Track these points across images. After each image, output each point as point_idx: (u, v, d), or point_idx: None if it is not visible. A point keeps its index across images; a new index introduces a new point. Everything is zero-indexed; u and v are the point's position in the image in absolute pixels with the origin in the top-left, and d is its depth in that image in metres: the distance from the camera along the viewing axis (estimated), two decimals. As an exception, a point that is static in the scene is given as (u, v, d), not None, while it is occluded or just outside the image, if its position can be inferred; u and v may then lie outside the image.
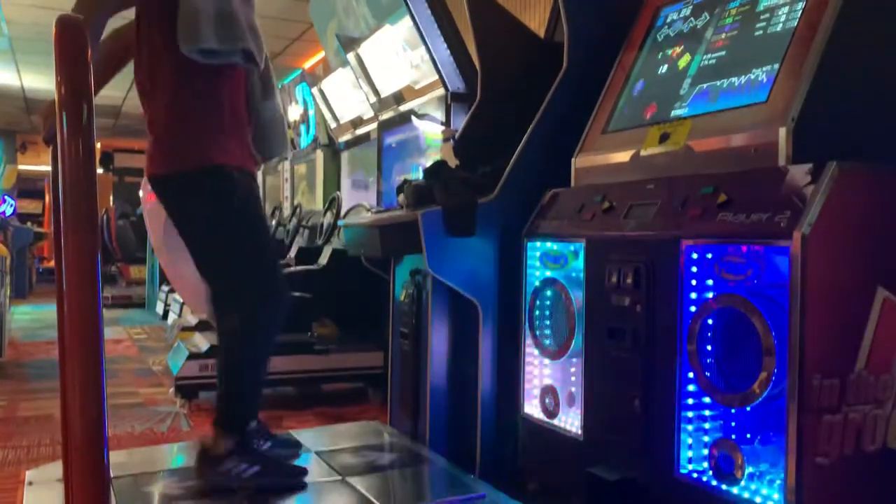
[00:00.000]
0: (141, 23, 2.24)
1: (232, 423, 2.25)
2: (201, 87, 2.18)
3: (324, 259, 4.85)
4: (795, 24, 1.94)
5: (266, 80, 2.33)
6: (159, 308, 8.38)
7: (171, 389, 4.45)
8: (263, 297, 2.26)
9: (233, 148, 2.22)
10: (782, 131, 1.80)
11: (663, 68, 2.36)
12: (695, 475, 1.85)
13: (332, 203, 5.44)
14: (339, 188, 6.08)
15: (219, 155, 2.19)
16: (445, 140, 3.55)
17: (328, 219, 5.32)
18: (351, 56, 4.96)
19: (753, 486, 1.71)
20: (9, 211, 15.13)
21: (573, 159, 2.47)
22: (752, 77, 2.00)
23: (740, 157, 1.90)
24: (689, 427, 1.86)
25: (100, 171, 13.94)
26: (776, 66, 1.93)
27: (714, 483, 1.79)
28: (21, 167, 16.00)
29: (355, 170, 5.95)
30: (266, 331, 2.30)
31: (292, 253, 5.43)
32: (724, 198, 1.81)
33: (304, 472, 2.34)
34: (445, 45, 3.92)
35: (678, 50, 2.33)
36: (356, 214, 4.60)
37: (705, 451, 1.82)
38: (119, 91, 10.48)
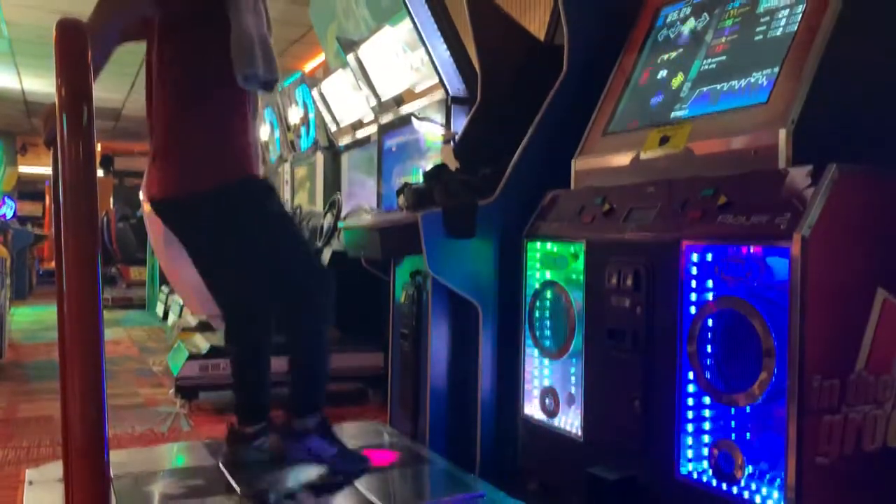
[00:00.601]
0: (163, 35, 2.24)
1: (315, 404, 2.38)
2: (225, 104, 2.23)
3: (324, 261, 4.85)
4: (796, 27, 1.95)
5: (256, 101, 2.43)
6: (159, 309, 8.38)
7: (172, 390, 4.45)
8: (321, 287, 2.41)
9: (255, 159, 2.32)
10: (782, 133, 1.80)
11: (663, 72, 2.36)
12: (695, 475, 1.85)
13: (332, 205, 5.44)
14: (339, 190, 6.08)
15: (251, 166, 2.29)
16: (446, 142, 3.56)
17: (328, 221, 5.32)
18: (351, 58, 4.96)
19: (753, 486, 1.71)
20: (9, 213, 15.13)
21: (573, 161, 2.47)
22: (753, 79, 2.00)
23: (740, 160, 1.90)
24: (690, 427, 1.86)
25: (100, 173, 13.95)
26: (776, 68, 1.93)
27: (714, 483, 1.79)
28: (21, 169, 16.00)
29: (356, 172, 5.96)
30: (328, 314, 2.46)
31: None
32: (724, 200, 1.81)
33: (368, 461, 2.46)
34: (445, 48, 3.92)
35: (679, 54, 2.34)
36: (356, 217, 4.60)
37: (705, 452, 1.83)
38: (120, 93, 10.49)
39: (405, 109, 4.67)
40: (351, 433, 2.80)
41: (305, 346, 2.43)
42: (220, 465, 2.42)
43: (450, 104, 3.98)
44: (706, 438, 1.83)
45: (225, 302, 2.50)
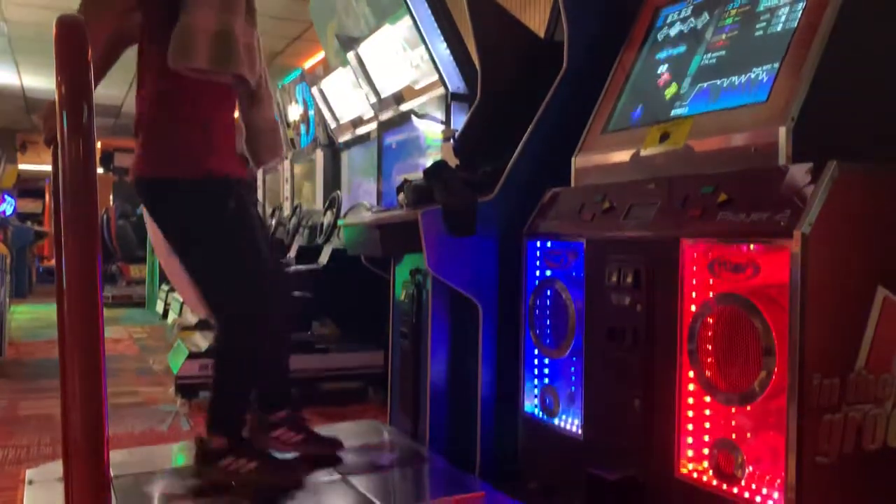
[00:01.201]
0: (144, 26, 2.26)
1: (220, 426, 2.33)
2: (197, 94, 2.21)
3: (324, 258, 4.86)
4: (795, 23, 1.94)
5: (256, 91, 2.35)
6: (159, 307, 8.39)
7: (172, 389, 4.45)
8: (245, 310, 2.30)
9: (224, 155, 2.26)
10: (782, 131, 1.80)
11: (663, 68, 2.36)
12: (695, 474, 1.85)
13: (332, 202, 5.44)
14: (339, 188, 6.09)
15: (214, 165, 2.23)
16: (445, 140, 3.55)
17: (328, 218, 5.33)
18: (351, 56, 4.96)
19: (753, 486, 1.71)
20: (9, 210, 15.12)
21: (573, 159, 2.47)
22: (753, 77, 2.00)
23: (740, 157, 1.89)
24: (690, 426, 1.86)
25: (100, 170, 13.94)
26: (776, 65, 1.93)
27: (714, 482, 1.79)
28: (21, 167, 15.99)
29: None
30: (244, 348, 2.34)
31: (292, 252, 5.44)
32: (724, 197, 1.81)
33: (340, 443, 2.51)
34: (445, 45, 3.92)
35: (679, 51, 2.33)
36: (356, 214, 4.60)
37: (706, 451, 1.83)
38: (119, 90, 10.49)
39: (405, 107, 4.67)
40: (351, 432, 2.81)
41: (215, 362, 2.40)
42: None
43: (450, 101, 3.98)
44: (706, 437, 1.83)
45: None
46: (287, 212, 6.87)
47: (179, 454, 2.83)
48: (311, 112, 6.63)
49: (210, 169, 2.22)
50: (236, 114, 2.38)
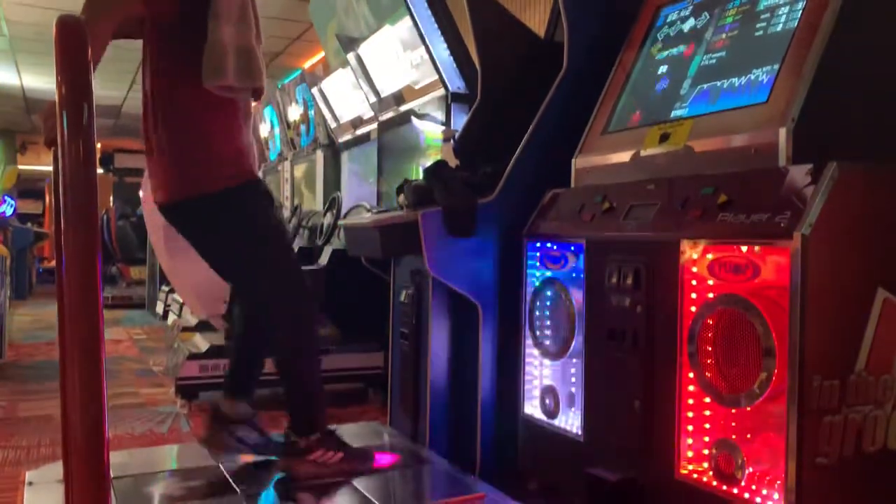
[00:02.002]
0: (154, 36, 2.25)
1: (309, 426, 2.37)
2: (218, 109, 2.23)
3: (324, 259, 4.86)
4: (795, 24, 1.94)
5: (247, 106, 2.39)
6: (159, 308, 8.38)
7: (172, 390, 4.45)
8: (301, 301, 2.37)
9: (251, 162, 2.31)
10: (782, 132, 1.80)
11: (663, 68, 2.36)
12: (695, 476, 1.84)
13: (332, 203, 5.44)
14: (339, 188, 6.08)
15: (248, 170, 2.29)
16: (445, 140, 3.55)
17: (328, 219, 5.32)
18: (351, 56, 4.96)
19: (753, 487, 1.71)
20: (9, 211, 15.12)
21: (573, 159, 2.47)
22: (753, 77, 2.00)
23: (740, 158, 1.89)
24: (690, 427, 1.86)
25: (100, 171, 13.94)
26: (776, 66, 1.93)
27: (714, 484, 1.79)
28: (21, 167, 15.98)
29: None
30: (312, 330, 2.43)
31: (292, 253, 5.43)
32: (724, 198, 1.81)
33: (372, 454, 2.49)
34: (445, 45, 3.92)
35: (679, 51, 2.33)
36: (356, 215, 4.60)
37: (706, 452, 1.82)
38: (119, 91, 10.49)
39: (405, 107, 4.66)
40: (351, 433, 2.80)
41: (285, 365, 2.42)
42: (220, 465, 2.42)
43: (450, 102, 3.98)
44: (706, 439, 1.83)
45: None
46: (287, 212, 6.87)
47: (179, 455, 2.83)
48: (311, 112, 6.63)
49: (246, 174, 2.28)
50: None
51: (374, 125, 5.26)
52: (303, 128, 6.94)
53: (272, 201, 2.40)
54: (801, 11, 1.95)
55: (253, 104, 2.41)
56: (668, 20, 2.44)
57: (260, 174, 2.45)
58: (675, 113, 2.20)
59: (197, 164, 2.23)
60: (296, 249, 5.41)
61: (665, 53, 2.38)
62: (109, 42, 2.18)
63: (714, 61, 2.18)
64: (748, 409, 1.72)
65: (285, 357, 2.41)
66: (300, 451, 2.33)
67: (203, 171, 2.23)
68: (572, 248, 2.29)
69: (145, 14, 2.23)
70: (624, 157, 2.27)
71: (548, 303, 2.40)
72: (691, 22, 2.34)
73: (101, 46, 2.09)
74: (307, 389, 2.41)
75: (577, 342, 2.26)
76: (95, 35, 2.06)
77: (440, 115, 4.20)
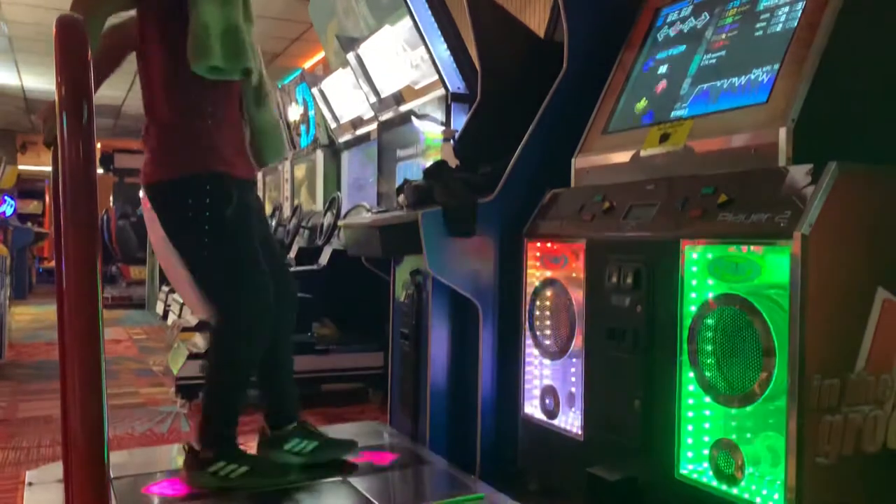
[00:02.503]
0: (142, 27, 2.25)
1: (211, 438, 2.28)
2: (198, 96, 2.20)
3: (324, 259, 4.85)
4: (795, 24, 1.94)
5: (258, 89, 2.33)
6: (159, 308, 8.38)
7: (172, 390, 4.45)
8: (238, 313, 2.26)
9: (228, 156, 2.25)
10: (782, 132, 1.80)
11: (664, 68, 2.36)
12: (695, 475, 1.84)
13: (332, 203, 5.44)
14: (339, 188, 6.08)
15: (216, 163, 2.21)
16: (445, 140, 3.55)
17: (328, 219, 5.32)
18: (351, 56, 4.96)
19: (753, 487, 1.71)
20: (9, 211, 15.12)
21: (573, 159, 2.47)
22: (753, 77, 2.00)
23: (740, 158, 1.89)
24: (690, 427, 1.86)
25: (100, 171, 13.94)
26: (776, 66, 1.93)
27: (714, 483, 1.79)
28: (21, 167, 15.98)
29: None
30: (236, 354, 2.30)
31: (292, 253, 5.43)
32: (724, 198, 1.81)
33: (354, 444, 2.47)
34: (445, 45, 3.92)
35: (679, 51, 2.33)
36: (356, 215, 4.59)
37: (705, 452, 1.82)
38: (119, 91, 10.49)
39: (405, 107, 4.67)
40: (351, 433, 2.80)
41: (210, 373, 2.38)
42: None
43: (450, 102, 3.98)
44: (706, 438, 1.83)
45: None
46: (287, 212, 6.87)
47: (180, 455, 2.82)
48: (311, 112, 6.64)
49: (208, 166, 2.20)
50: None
51: (374, 125, 5.26)
52: (303, 128, 6.94)
53: (232, 200, 2.24)
54: (800, 11, 1.95)
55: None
56: (668, 20, 2.44)
57: (258, 174, 2.40)
58: (675, 113, 2.20)
59: (159, 149, 2.23)
60: (296, 250, 5.42)
61: (665, 53, 2.38)
62: (105, 39, 2.18)
63: (714, 61, 2.18)
64: (748, 408, 1.72)
65: (211, 361, 2.37)
66: (200, 462, 2.26)
67: (163, 157, 2.22)
68: (572, 247, 2.29)
69: (135, 6, 2.22)
70: (624, 156, 2.27)
71: (548, 303, 2.40)
72: (691, 22, 2.34)
73: (94, 37, 2.08)
74: (216, 400, 2.34)
75: (576, 342, 2.26)
76: (90, 25, 2.05)
77: (440, 115, 4.20)
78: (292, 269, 4.80)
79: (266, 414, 2.47)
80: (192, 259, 2.31)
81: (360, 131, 5.74)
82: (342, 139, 6.13)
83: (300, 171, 7.13)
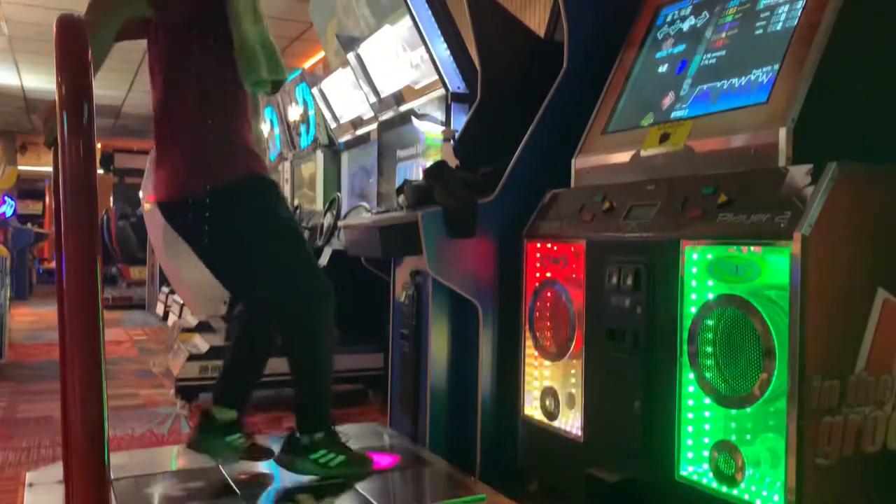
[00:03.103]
0: (163, 38, 2.25)
1: (316, 423, 2.33)
2: (231, 105, 2.24)
3: (324, 260, 4.85)
4: (795, 23, 1.94)
5: (257, 101, 2.40)
6: (159, 309, 8.38)
7: (172, 391, 4.45)
8: (319, 295, 2.34)
9: (257, 157, 2.31)
10: (782, 132, 1.80)
11: (664, 68, 2.36)
12: (695, 477, 1.84)
13: (332, 204, 5.43)
14: (339, 189, 6.08)
15: (258, 165, 2.29)
16: (445, 140, 3.55)
17: (328, 220, 5.32)
18: (351, 56, 4.96)
19: (754, 488, 1.70)
20: (9, 212, 15.12)
21: (573, 160, 2.47)
22: (753, 77, 2.00)
23: (740, 158, 1.89)
24: (690, 428, 1.86)
25: (100, 171, 13.94)
26: (776, 66, 1.93)
27: (714, 484, 1.79)
28: (21, 168, 15.99)
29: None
30: (327, 326, 2.38)
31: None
32: (724, 198, 1.81)
33: (370, 461, 2.44)
34: (445, 45, 3.92)
35: (679, 51, 2.33)
36: (356, 215, 4.59)
37: (706, 453, 1.82)
38: (119, 91, 10.49)
39: (405, 107, 4.67)
40: (351, 434, 2.80)
41: (292, 363, 2.38)
42: (220, 466, 2.41)
43: (450, 102, 3.98)
44: (706, 439, 1.83)
45: (237, 297, 2.53)
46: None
47: (180, 456, 2.82)
48: (311, 112, 6.63)
49: (255, 168, 2.27)
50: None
51: (374, 125, 5.26)
52: (303, 128, 6.94)
53: (279, 197, 2.38)
54: (800, 10, 1.95)
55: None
56: (668, 19, 2.44)
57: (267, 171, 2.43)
58: (675, 113, 2.20)
59: (204, 160, 2.23)
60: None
61: (665, 53, 2.38)
62: (112, 45, 2.18)
63: (714, 61, 2.18)
64: (748, 409, 1.72)
65: (296, 352, 2.38)
66: (302, 449, 2.30)
67: (210, 166, 2.22)
68: (572, 248, 2.29)
69: (152, 16, 2.23)
70: (624, 157, 2.27)
71: (548, 303, 2.40)
72: (691, 21, 2.34)
73: (104, 49, 2.09)
74: (315, 386, 2.39)
75: (577, 343, 2.26)
76: (99, 37, 2.07)
77: (440, 115, 4.20)
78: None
79: (297, 415, 2.44)
80: (261, 257, 2.31)
81: (360, 131, 5.74)
82: (342, 139, 6.13)
83: (300, 172, 7.13)
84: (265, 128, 7.39)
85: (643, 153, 2.20)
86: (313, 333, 2.36)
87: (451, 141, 3.18)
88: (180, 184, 2.25)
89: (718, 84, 2.11)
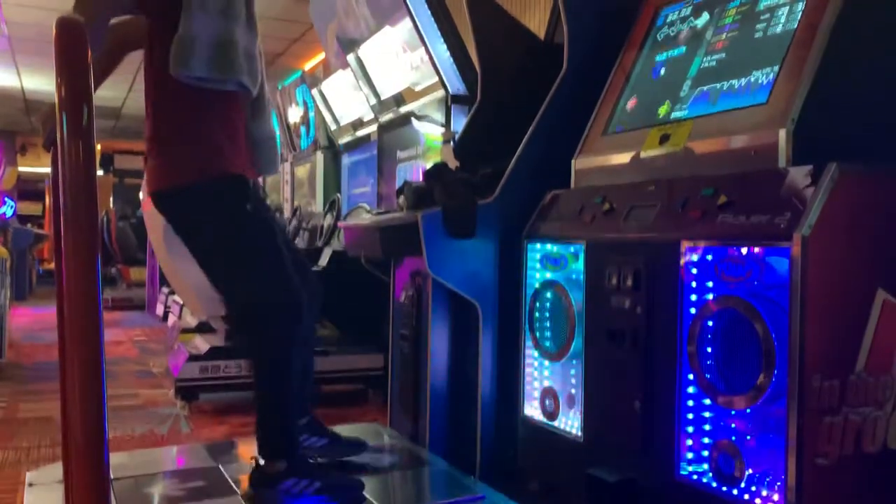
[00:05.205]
0: (147, 28, 2.24)
1: (276, 450, 2.16)
2: (202, 101, 2.16)
3: (324, 261, 4.85)
4: (795, 25, 1.94)
5: (257, 100, 2.30)
6: (159, 310, 8.38)
7: (172, 391, 4.45)
8: (284, 308, 2.16)
9: (236, 158, 2.22)
10: (782, 133, 1.80)
11: (664, 69, 2.36)
12: (695, 477, 1.84)
13: (332, 205, 5.44)
14: (339, 190, 6.09)
15: (227, 165, 2.18)
16: (445, 142, 3.56)
17: (328, 221, 5.33)
18: (351, 57, 4.96)
19: (754, 488, 1.71)
20: (9, 212, 15.13)
21: (573, 160, 2.47)
22: (752, 79, 2.00)
23: (740, 159, 1.89)
24: (690, 428, 1.86)
25: (100, 172, 13.94)
26: (776, 67, 1.93)
27: (714, 484, 1.79)
28: (21, 169, 16.00)
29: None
30: (291, 342, 2.18)
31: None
32: (724, 199, 1.81)
33: (360, 485, 2.24)
34: (445, 47, 3.93)
35: (679, 52, 2.33)
36: (356, 216, 4.60)
37: (705, 453, 1.82)
38: (119, 92, 10.49)
39: (405, 108, 4.67)
40: (351, 434, 2.80)
41: (255, 379, 2.20)
42: (220, 466, 2.41)
43: (450, 103, 3.99)
44: (706, 439, 1.83)
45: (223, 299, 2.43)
46: (287, 214, 6.87)
47: (179, 456, 2.83)
48: (311, 114, 6.64)
49: (223, 168, 2.17)
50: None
51: (375, 127, 5.26)
52: (303, 129, 6.95)
53: (251, 199, 2.21)
54: (800, 12, 1.95)
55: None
56: (668, 20, 2.44)
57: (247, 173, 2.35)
58: (675, 114, 2.20)
59: (170, 154, 2.19)
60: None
61: (665, 54, 2.38)
62: (106, 40, 2.17)
63: (714, 62, 2.18)
64: (748, 409, 1.72)
65: (255, 375, 2.20)
66: (267, 479, 2.13)
67: (176, 162, 2.18)
68: (572, 249, 2.29)
69: (139, 13, 2.22)
70: (624, 158, 2.27)
71: (548, 304, 2.40)
72: (691, 22, 2.34)
73: (97, 44, 2.08)
74: (273, 409, 2.19)
75: (576, 343, 2.26)
76: (93, 28, 2.04)
77: (440, 117, 4.20)
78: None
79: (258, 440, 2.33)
80: (218, 260, 2.23)
81: (361, 133, 5.75)
82: (342, 141, 6.13)
83: (300, 173, 7.14)
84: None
85: (643, 154, 2.20)
86: (270, 351, 2.17)
87: (451, 142, 3.19)
88: (151, 181, 2.22)
89: (718, 85, 2.11)
